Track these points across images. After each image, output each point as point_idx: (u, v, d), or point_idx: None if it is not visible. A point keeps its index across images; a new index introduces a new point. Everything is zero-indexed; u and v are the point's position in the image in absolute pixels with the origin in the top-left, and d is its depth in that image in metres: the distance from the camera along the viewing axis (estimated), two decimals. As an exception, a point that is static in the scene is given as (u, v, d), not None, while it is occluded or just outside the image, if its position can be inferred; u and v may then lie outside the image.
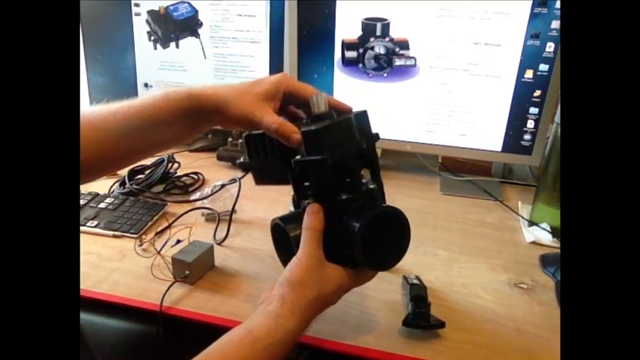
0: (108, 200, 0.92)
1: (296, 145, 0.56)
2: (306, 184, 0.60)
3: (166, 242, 0.79)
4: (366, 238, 0.54)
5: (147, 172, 1.02)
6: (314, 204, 0.57)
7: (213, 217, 0.88)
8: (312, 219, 0.55)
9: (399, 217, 0.56)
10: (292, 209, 0.64)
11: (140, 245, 0.80)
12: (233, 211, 0.87)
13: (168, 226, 0.85)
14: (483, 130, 1.03)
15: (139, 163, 1.02)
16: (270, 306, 0.51)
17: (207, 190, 0.97)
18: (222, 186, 0.93)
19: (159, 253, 0.76)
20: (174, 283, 0.69)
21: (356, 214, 0.55)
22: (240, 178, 0.88)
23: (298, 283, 0.52)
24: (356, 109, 0.62)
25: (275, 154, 0.61)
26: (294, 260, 0.54)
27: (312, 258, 0.54)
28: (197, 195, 0.96)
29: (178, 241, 0.79)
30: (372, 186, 0.58)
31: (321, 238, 0.55)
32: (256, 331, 0.49)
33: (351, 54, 1.06)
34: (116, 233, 0.83)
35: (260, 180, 0.69)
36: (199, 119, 0.60)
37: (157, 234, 0.83)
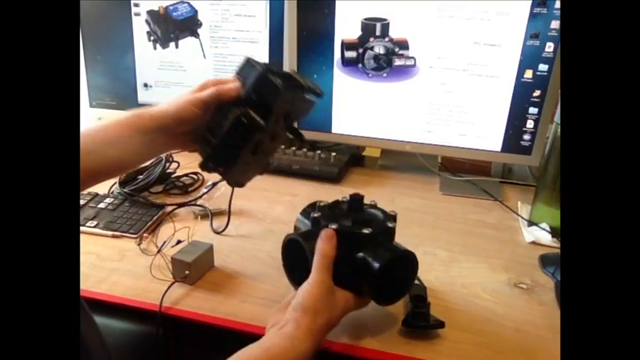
0: (107, 200, 0.92)
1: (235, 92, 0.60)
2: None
3: (165, 242, 0.79)
4: (379, 276, 0.56)
5: (145, 172, 1.02)
6: (328, 230, 0.58)
7: (206, 214, 0.89)
8: (325, 245, 0.57)
9: (411, 260, 0.60)
10: (301, 217, 0.66)
11: (139, 245, 0.80)
12: (231, 202, 0.87)
13: (159, 225, 0.85)
14: (483, 130, 1.03)
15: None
16: (284, 328, 0.53)
17: (203, 190, 0.98)
18: (214, 184, 0.94)
19: (159, 251, 0.76)
20: (173, 283, 0.69)
21: (374, 253, 0.58)
22: None
23: (312, 310, 0.54)
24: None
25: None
26: (306, 286, 0.56)
27: (323, 285, 0.56)
28: (191, 197, 0.97)
29: (179, 242, 0.79)
30: (390, 225, 0.61)
31: (331, 265, 0.57)
32: (272, 350, 0.51)
33: (350, 54, 1.06)
34: (115, 233, 0.83)
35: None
36: (148, 137, 0.61)
37: (151, 233, 0.83)
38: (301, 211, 0.67)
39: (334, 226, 0.59)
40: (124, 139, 0.60)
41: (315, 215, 0.62)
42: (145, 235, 0.83)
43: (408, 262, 0.60)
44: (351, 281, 0.58)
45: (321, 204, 0.65)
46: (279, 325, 0.54)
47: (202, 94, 0.61)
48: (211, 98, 0.60)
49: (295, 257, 0.60)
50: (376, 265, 0.56)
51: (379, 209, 0.65)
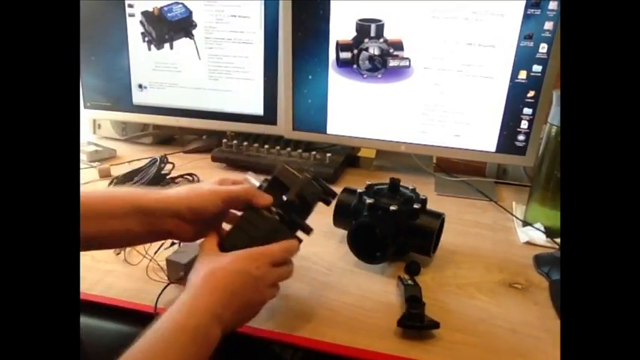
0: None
1: (267, 201, 0.62)
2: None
3: (161, 245, 0.78)
4: (437, 234, 0.76)
5: (140, 173, 1.02)
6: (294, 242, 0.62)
7: None
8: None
9: (444, 219, 0.77)
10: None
11: (133, 247, 0.79)
12: None
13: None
14: (477, 131, 1.04)
15: (135, 165, 1.02)
16: None
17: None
18: None
19: (152, 258, 0.76)
20: (168, 284, 0.69)
21: (427, 220, 0.76)
22: None
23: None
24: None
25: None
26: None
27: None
28: None
29: (173, 243, 0.79)
30: (423, 197, 0.78)
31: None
32: None
33: (345, 55, 1.06)
34: (110, 235, 0.82)
35: None
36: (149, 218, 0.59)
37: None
38: (340, 195, 0.80)
39: (394, 207, 0.73)
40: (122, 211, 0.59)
41: (370, 201, 0.75)
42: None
43: (443, 221, 0.78)
44: (406, 247, 0.77)
45: (361, 190, 0.79)
46: None
47: (234, 189, 0.62)
48: (242, 196, 0.61)
49: (364, 239, 0.74)
50: (434, 226, 0.74)
51: (403, 186, 0.80)
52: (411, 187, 0.80)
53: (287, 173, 0.64)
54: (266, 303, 0.58)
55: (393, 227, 0.73)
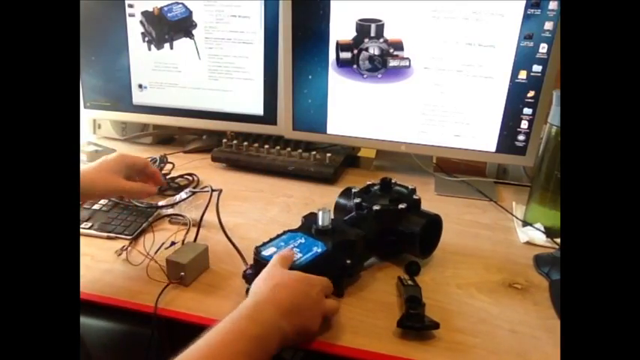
0: (102, 202, 0.92)
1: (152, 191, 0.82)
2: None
3: (162, 245, 0.78)
4: (420, 238, 0.73)
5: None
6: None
7: (185, 223, 0.86)
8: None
9: (438, 221, 0.77)
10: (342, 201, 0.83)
11: (134, 247, 0.79)
12: (200, 222, 0.82)
13: (150, 226, 0.85)
14: (477, 131, 1.04)
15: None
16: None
17: (178, 196, 0.92)
18: (193, 193, 0.90)
19: (152, 257, 0.76)
20: (168, 284, 0.69)
21: (413, 221, 0.75)
22: (213, 190, 0.83)
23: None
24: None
25: None
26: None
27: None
28: (164, 202, 0.92)
29: (173, 243, 0.79)
30: (416, 197, 0.78)
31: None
32: None
33: (345, 55, 1.06)
34: (110, 235, 0.83)
35: None
36: None
37: (140, 235, 0.83)
38: (339, 196, 0.83)
39: (377, 207, 0.73)
40: None
41: (357, 201, 0.76)
42: (139, 236, 0.83)
43: (436, 223, 0.77)
44: (397, 247, 0.76)
45: (355, 190, 0.80)
46: None
47: (123, 186, 0.79)
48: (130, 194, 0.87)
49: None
50: (417, 229, 0.72)
51: (400, 185, 0.80)
52: (410, 187, 0.80)
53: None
54: (317, 330, 0.58)
55: (378, 226, 0.73)
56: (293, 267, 0.62)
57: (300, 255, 0.64)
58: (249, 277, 0.65)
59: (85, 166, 0.77)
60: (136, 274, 0.72)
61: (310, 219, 0.73)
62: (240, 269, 0.69)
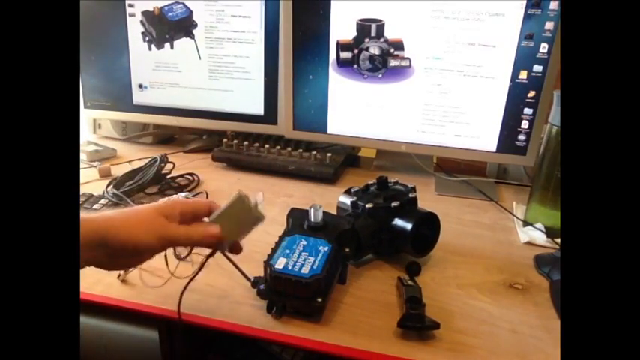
0: (102, 202, 0.92)
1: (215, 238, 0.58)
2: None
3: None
4: (413, 235, 0.73)
5: (140, 173, 1.02)
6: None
7: None
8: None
9: (433, 219, 0.78)
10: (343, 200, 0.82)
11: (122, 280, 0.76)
12: None
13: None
14: (478, 131, 1.04)
15: (136, 165, 1.01)
16: None
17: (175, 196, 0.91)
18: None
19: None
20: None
21: (405, 219, 0.75)
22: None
23: None
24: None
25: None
26: None
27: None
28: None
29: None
30: (412, 195, 0.79)
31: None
32: None
33: (345, 55, 1.06)
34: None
35: None
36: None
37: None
38: (342, 195, 0.83)
39: (370, 205, 0.74)
40: None
41: (353, 199, 0.77)
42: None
43: (431, 221, 0.77)
44: (392, 245, 0.76)
45: (355, 189, 0.81)
46: None
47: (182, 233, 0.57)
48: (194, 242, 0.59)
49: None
50: (409, 227, 0.72)
51: (401, 184, 0.81)
52: (410, 186, 0.80)
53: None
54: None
55: (373, 224, 0.74)
56: (313, 275, 0.61)
57: (312, 259, 0.64)
58: (263, 292, 0.64)
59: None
60: (135, 274, 0.72)
61: (296, 216, 0.73)
62: (237, 280, 0.69)
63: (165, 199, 0.58)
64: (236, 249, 0.62)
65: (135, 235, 0.51)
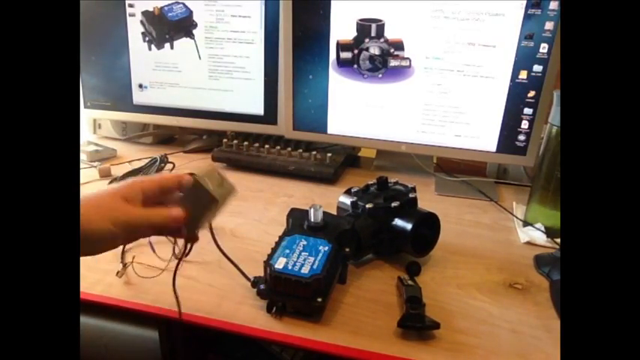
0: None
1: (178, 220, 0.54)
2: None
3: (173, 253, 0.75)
4: (413, 235, 0.73)
5: (140, 173, 1.02)
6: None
7: None
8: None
9: (433, 219, 0.77)
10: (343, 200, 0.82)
11: (121, 277, 0.74)
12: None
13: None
14: (478, 131, 1.04)
15: (136, 165, 1.01)
16: None
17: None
18: None
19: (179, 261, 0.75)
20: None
21: (405, 219, 0.75)
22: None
23: None
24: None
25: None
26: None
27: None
28: None
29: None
30: (412, 195, 0.79)
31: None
32: None
33: (345, 55, 1.06)
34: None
35: None
36: None
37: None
38: (342, 195, 0.83)
39: (370, 205, 0.74)
40: None
41: (353, 199, 0.77)
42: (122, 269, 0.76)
43: (431, 221, 0.77)
44: (392, 245, 0.76)
45: (354, 189, 0.81)
46: None
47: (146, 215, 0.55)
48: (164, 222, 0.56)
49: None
50: (409, 227, 0.72)
51: (401, 184, 0.81)
52: (410, 186, 0.81)
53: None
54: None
55: (372, 224, 0.74)
56: (313, 275, 0.61)
57: (312, 259, 0.64)
58: (263, 292, 0.64)
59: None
60: (135, 274, 0.72)
61: (297, 216, 0.73)
62: (237, 280, 0.69)
63: (127, 179, 0.56)
64: (192, 238, 0.57)
65: (87, 222, 0.47)
